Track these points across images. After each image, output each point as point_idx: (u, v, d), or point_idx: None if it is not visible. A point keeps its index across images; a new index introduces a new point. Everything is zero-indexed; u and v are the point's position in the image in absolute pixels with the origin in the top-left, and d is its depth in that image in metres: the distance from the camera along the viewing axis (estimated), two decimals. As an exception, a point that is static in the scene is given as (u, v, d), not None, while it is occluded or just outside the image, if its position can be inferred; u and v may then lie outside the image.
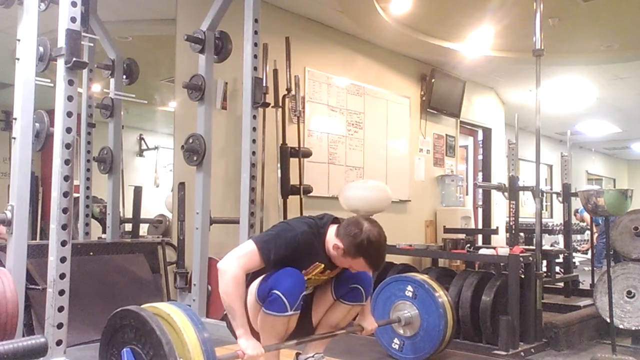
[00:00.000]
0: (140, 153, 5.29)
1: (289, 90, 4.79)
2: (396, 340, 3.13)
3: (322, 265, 2.32)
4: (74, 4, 2.64)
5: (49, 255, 2.58)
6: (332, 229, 2.32)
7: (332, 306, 2.45)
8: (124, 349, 1.95)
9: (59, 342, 2.54)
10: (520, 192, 5.21)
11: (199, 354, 1.90)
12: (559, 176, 6.45)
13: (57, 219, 2.57)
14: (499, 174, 7.77)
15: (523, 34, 5.04)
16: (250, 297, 2.25)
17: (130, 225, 4.71)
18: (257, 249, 2.19)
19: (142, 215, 4.74)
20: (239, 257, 2.18)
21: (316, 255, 2.30)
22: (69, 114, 2.63)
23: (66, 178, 2.60)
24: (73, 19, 2.63)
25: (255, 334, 2.24)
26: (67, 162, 2.60)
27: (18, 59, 2.81)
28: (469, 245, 4.17)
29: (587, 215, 7.71)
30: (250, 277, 2.28)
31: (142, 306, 2.02)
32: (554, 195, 6.63)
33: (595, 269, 5.55)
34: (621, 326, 3.75)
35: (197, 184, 3.79)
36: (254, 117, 3.61)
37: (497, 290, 3.60)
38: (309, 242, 2.27)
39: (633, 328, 3.75)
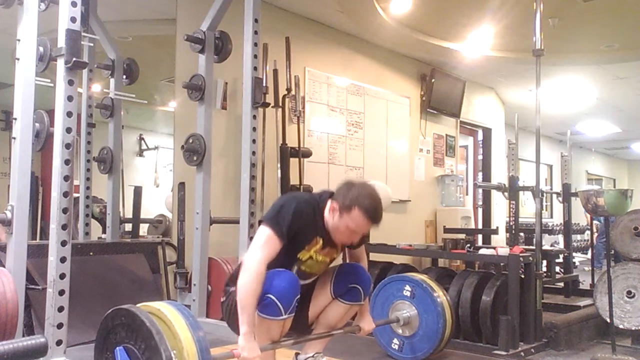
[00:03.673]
0: (140, 153, 5.29)
1: (289, 90, 4.79)
2: (395, 340, 3.13)
3: (321, 241, 2.31)
4: (74, 4, 2.64)
5: (49, 255, 2.58)
6: (328, 208, 2.32)
7: (330, 305, 2.45)
8: (117, 348, 1.95)
9: (59, 342, 2.55)
10: (520, 192, 5.21)
11: (191, 345, 1.90)
12: (559, 176, 6.45)
13: (57, 219, 2.57)
14: (499, 174, 7.77)
15: (523, 34, 5.04)
16: None
17: (130, 225, 4.71)
18: (272, 231, 2.19)
19: (142, 215, 4.74)
20: (261, 247, 2.18)
21: (316, 228, 2.30)
22: (69, 114, 2.63)
23: (66, 178, 2.60)
24: (73, 19, 2.63)
25: None
26: (67, 162, 2.60)
27: (18, 59, 2.81)
28: (469, 245, 4.17)
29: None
30: None
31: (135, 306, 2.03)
32: (554, 195, 6.62)
33: (595, 269, 5.55)
34: (621, 326, 3.76)
35: (197, 184, 3.79)
36: (254, 117, 3.62)
37: (497, 290, 3.60)
38: (310, 213, 2.28)
39: (633, 328, 3.75)
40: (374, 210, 2.23)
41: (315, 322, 2.52)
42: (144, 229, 4.95)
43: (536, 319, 3.66)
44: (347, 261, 2.62)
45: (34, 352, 1.33)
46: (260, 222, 2.29)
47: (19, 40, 2.82)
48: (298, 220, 2.23)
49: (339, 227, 2.27)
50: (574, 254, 7.18)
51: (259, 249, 2.18)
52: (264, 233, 2.21)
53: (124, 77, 4.47)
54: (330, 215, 2.27)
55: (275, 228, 2.20)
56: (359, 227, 2.26)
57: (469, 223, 6.74)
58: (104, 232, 4.45)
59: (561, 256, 5.58)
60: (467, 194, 7.46)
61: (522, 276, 3.70)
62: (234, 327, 2.25)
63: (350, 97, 5.73)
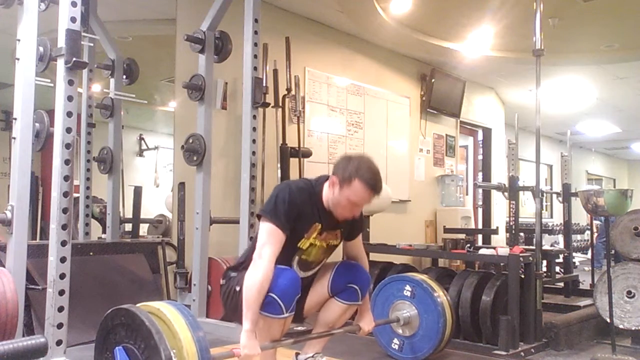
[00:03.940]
0: (140, 153, 5.29)
1: (289, 90, 4.79)
2: (395, 340, 3.12)
3: (320, 226, 2.31)
4: (74, 4, 2.64)
5: (49, 255, 2.58)
6: (327, 184, 2.32)
7: (328, 304, 2.45)
8: (116, 348, 1.95)
9: (59, 342, 2.55)
10: (520, 192, 5.21)
11: (190, 344, 1.90)
12: (559, 176, 6.45)
13: (57, 219, 2.57)
14: (499, 174, 7.77)
15: (523, 34, 5.04)
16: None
17: (130, 225, 4.71)
18: (274, 225, 2.20)
19: (142, 215, 4.74)
20: (267, 243, 2.18)
21: (313, 212, 2.30)
22: (69, 114, 2.63)
23: (66, 178, 2.60)
24: (73, 19, 2.64)
25: None
26: (67, 162, 2.61)
27: (18, 59, 2.81)
28: (469, 245, 4.17)
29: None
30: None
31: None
32: (554, 195, 6.62)
33: (595, 269, 5.55)
34: (621, 326, 3.76)
35: (197, 184, 3.79)
36: (254, 117, 3.62)
37: (497, 290, 3.60)
38: (305, 198, 2.29)
39: (633, 328, 3.75)
40: (374, 181, 2.24)
41: (315, 321, 2.52)
42: (144, 229, 4.95)
43: (536, 319, 3.66)
44: (345, 256, 2.62)
45: (34, 352, 1.33)
46: (259, 217, 2.29)
47: (19, 40, 2.82)
48: (295, 208, 2.23)
49: (340, 201, 2.27)
50: (574, 254, 7.18)
51: (265, 246, 2.18)
52: (267, 228, 2.21)
53: (124, 77, 4.47)
54: (331, 190, 2.28)
55: (275, 221, 2.20)
56: (360, 199, 2.26)
57: (469, 223, 6.74)
58: (104, 232, 4.45)
59: (561, 256, 5.58)
60: (467, 194, 7.46)
61: (522, 276, 3.70)
62: (231, 312, 2.26)
63: (350, 97, 5.73)
